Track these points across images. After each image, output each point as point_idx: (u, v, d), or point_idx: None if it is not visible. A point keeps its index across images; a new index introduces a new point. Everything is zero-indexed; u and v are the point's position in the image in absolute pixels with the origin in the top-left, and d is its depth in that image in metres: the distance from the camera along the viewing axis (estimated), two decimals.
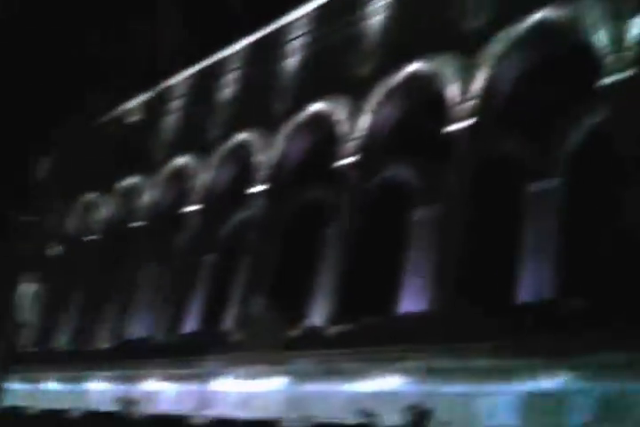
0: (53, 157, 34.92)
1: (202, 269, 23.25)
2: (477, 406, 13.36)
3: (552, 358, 12.49)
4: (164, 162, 26.76)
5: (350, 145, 18.95)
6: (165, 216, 25.92)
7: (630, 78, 12.85)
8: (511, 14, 15.61)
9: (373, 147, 18.47)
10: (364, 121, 18.77)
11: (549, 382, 12.52)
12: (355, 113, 19.16)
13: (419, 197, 17.02)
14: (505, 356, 13.09)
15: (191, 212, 24.26)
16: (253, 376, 18.47)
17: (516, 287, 14.10)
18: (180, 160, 25.83)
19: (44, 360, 28.18)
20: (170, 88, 28.69)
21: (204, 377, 19.80)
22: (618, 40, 13.28)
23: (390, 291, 16.46)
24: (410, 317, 15.55)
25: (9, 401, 28.76)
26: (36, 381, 27.76)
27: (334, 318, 17.32)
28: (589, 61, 13.80)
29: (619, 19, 13.27)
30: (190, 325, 22.60)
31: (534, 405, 12.56)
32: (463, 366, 13.69)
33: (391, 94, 18.18)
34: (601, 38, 13.81)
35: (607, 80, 13.20)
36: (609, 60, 13.41)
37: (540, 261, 13.91)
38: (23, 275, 33.03)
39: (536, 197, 14.47)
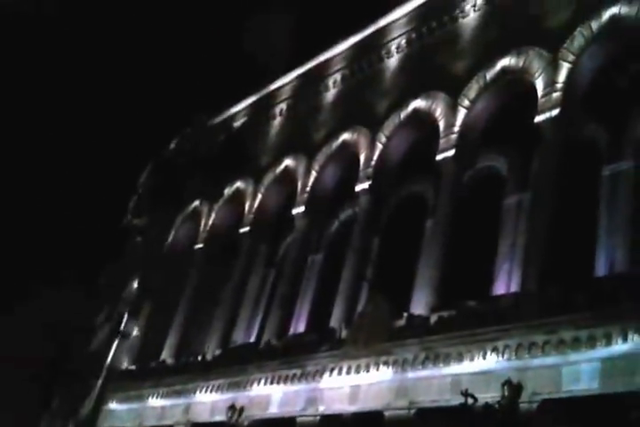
0: (159, 165, 43.04)
1: (309, 269, 29.34)
2: (563, 375, 18.04)
3: (626, 323, 17.69)
4: (270, 166, 33.51)
5: (447, 139, 24.69)
6: (272, 220, 32.75)
7: None
8: (586, 12, 21.49)
9: (469, 140, 24.24)
10: (460, 116, 24.57)
11: (624, 346, 17.56)
12: (451, 109, 25.06)
13: (509, 186, 22.44)
14: (586, 326, 17.76)
15: (298, 213, 30.43)
16: (360, 369, 23.88)
17: (594, 264, 19.03)
18: (286, 162, 32.52)
19: (146, 377, 33.12)
20: (274, 91, 35.73)
21: (311, 376, 24.90)
22: None
23: (485, 275, 21.61)
24: (503, 298, 20.46)
25: (111, 422, 34.14)
26: (139, 398, 32.99)
27: (434, 306, 22.49)
28: None
29: None
30: (298, 325, 28.17)
31: (612, 368, 17.11)
32: (549, 339, 18.49)
33: (485, 88, 24.19)
34: None
35: None
36: None
37: (613, 238, 18.84)
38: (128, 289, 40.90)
39: (610, 179, 19.67)
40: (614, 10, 21.07)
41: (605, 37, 21.49)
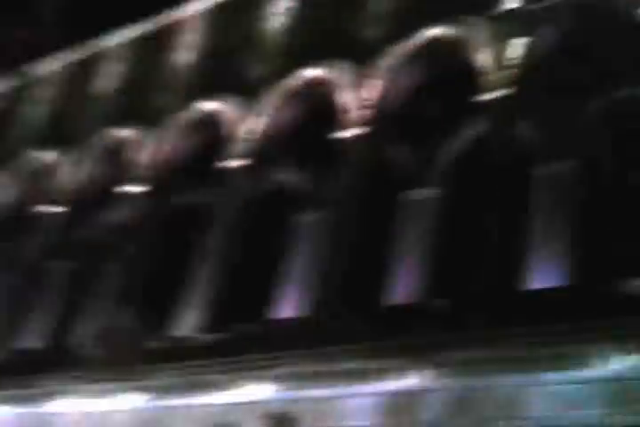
0: None
1: (52, 276, 27.24)
2: (340, 408, 17.55)
3: (415, 357, 17.20)
4: (20, 157, 31.23)
5: (239, 147, 23.90)
6: (17, 217, 30.24)
7: (507, 95, 18.61)
8: (404, 30, 21.40)
9: (263, 150, 23.48)
10: (256, 123, 23.81)
11: (410, 381, 17.09)
12: (246, 115, 24.20)
13: (305, 203, 21.64)
14: (372, 357, 17.19)
15: (47, 213, 28.59)
16: (103, 394, 22.26)
17: (387, 291, 18.72)
18: (42, 155, 30.42)
19: None
20: (39, 75, 33.37)
21: (40, 398, 23.30)
22: (498, 60, 19.06)
23: (265, 297, 20.81)
24: (281, 323, 19.79)
25: None
26: None
27: (203, 327, 21.51)
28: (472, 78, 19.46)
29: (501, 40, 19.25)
30: (30, 340, 26.11)
31: (394, 403, 16.81)
32: (331, 369, 17.74)
33: (286, 98, 23.58)
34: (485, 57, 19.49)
35: (486, 96, 18.95)
36: (489, 77, 19.14)
37: (409, 265, 18.67)
38: None
39: (412, 205, 19.55)
40: (435, 31, 21.09)
41: (422, 57, 21.45)
